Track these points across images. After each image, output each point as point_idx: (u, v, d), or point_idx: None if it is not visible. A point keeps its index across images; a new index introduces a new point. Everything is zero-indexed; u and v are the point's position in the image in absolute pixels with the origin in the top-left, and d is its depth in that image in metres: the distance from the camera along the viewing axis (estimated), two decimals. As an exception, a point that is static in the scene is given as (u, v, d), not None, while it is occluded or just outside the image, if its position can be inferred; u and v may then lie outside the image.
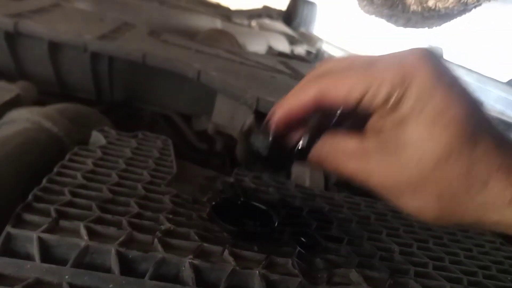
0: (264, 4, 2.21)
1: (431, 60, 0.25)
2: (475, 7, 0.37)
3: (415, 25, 0.47)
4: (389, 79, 0.24)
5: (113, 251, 0.28)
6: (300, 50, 1.67)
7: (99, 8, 1.26)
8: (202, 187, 0.43)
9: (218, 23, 1.51)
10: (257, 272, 0.30)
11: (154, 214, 0.34)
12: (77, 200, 0.34)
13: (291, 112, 0.28)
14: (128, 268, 0.28)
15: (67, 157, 0.40)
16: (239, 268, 0.30)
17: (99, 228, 0.30)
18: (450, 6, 0.33)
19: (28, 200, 0.32)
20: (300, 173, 0.56)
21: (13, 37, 0.73)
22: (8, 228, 0.28)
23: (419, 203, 0.25)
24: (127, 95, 0.86)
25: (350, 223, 0.43)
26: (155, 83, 0.84)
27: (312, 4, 2.29)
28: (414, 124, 0.24)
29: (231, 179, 0.46)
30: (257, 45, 1.45)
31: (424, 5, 0.34)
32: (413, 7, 0.37)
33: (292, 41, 1.70)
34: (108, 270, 0.28)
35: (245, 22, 1.81)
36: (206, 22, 1.47)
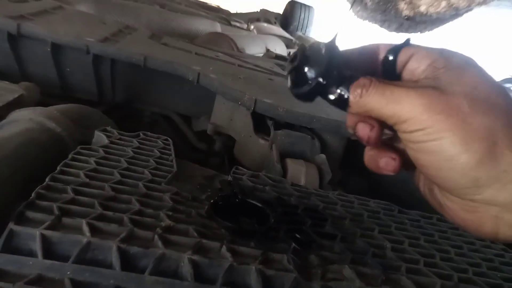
0: (262, 7, 2.23)
1: None
2: (466, 12, 0.38)
3: (407, 30, 0.48)
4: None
5: (114, 247, 0.29)
6: (297, 53, 1.69)
7: (101, 10, 1.27)
8: (201, 185, 0.44)
9: (217, 27, 1.53)
10: (254, 267, 0.31)
11: (155, 212, 0.35)
12: (80, 198, 0.34)
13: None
14: (129, 264, 0.29)
15: (70, 156, 0.41)
16: (236, 263, 0.31)
17: (101, 225, 0.31)
18: (442, 11, 0.34)
19: (31, 198, 0.32)
20: (296, 172, 0.57)
21: (15, 39, 0.74)
22: (11, 226, 0.29)
23: None
24: (128, 96, 0.87)
25: (343, 220, 0.44)
26: (156, 85, 0.85)
27: (309, 8, 2.30)
28: None
29: (229, 178, 0.47)
30: (255, 48, 1.46)
31: (416, 10, 0.36)
32: (405, 12, 0.38)
33: (289, 44, 1.72)
34: (109, 266, 0.29)
35: (244, 25, 1.82)
36: (206, 26, 1.49)
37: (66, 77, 0.81)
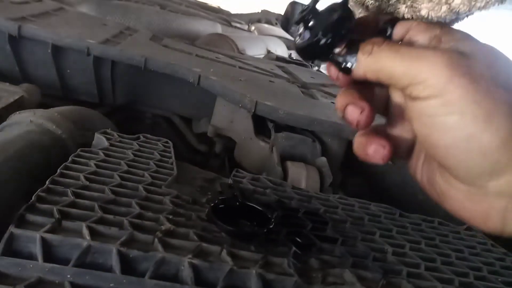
0: (263, 8, 2.23)
1: None
2: (467, 16, 0.38)
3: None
4: None
5: (114, 251, 0.29)
6: (298, 54, 1.69)
7: (102, 12, 1.28)
8: (201, 188, 0.44)
9: (218, 28, 1.53)
10: (254, 271, 0.31)
11: (155, 215, 0.35)
12: (80, 201, 0.34)
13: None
14: (129, 267, 0.29)
15: (70, 159, 0.41)
16: (236, 267, 0.31)
17: (101, 228, 0.31)
18: (443, 16, 0.34)
19: (32, 201, 0.32)
20: (297, 175, 0.57)
21: (16, 41, 0.74)
22: (12, 229, 0.29)
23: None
24: (129, 98, 0.87)
25: (344, 224, 0.44)
26: (157, 87, 0.85)
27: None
28: None
29: (230, 181, 0.47)
30: (256, 49, 1.46)
31: (418, 14, 0.36)
32: (407, 16, 0.38)
33: (290, 45, 1.72)
34: (109, 270, 0.29)
35: (245, 26, 1.82)
36: (206, 27, 1.49)
37: (67, 79, 0.81)
